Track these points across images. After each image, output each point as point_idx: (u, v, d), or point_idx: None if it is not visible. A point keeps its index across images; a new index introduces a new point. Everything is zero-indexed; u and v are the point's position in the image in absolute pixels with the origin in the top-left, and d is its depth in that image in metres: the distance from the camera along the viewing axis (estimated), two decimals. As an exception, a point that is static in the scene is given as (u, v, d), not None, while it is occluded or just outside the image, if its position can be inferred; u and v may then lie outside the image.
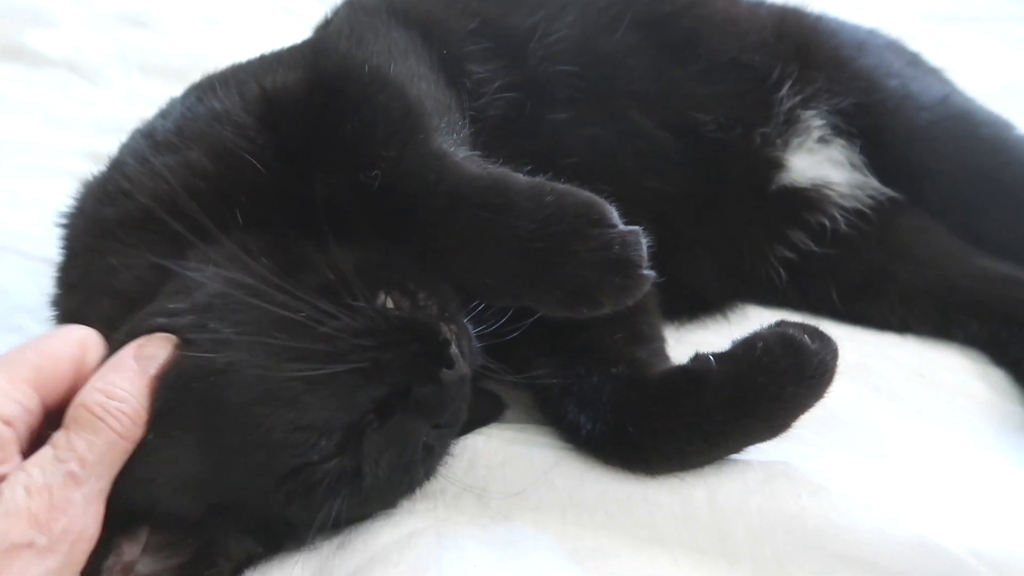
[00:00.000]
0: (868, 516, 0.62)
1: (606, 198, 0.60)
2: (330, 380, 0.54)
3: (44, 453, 0.50)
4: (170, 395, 0.53)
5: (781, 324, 0.66)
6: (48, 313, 0.70)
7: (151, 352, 0.55)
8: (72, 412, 0.52)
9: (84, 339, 0.56)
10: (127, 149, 0.73)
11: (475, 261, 0.60)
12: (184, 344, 0.55)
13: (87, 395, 0.52)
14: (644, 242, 0.58)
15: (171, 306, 0.57)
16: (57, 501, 0.49)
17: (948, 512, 0.63)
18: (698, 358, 0.66)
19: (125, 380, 0.53)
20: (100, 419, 0.51)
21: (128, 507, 0.53)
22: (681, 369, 0.67)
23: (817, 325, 0.88)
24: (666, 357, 0.76)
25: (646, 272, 0.57)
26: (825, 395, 0.63)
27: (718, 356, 0.65)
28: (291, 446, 0.53)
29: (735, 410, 0.62)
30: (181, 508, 0.55)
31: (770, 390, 0.62)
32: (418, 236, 0.61)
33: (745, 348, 0.64)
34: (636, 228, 0.58)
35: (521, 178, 0.62)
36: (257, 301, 0.55)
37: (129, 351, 0.55)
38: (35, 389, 0.52)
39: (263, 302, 0.54)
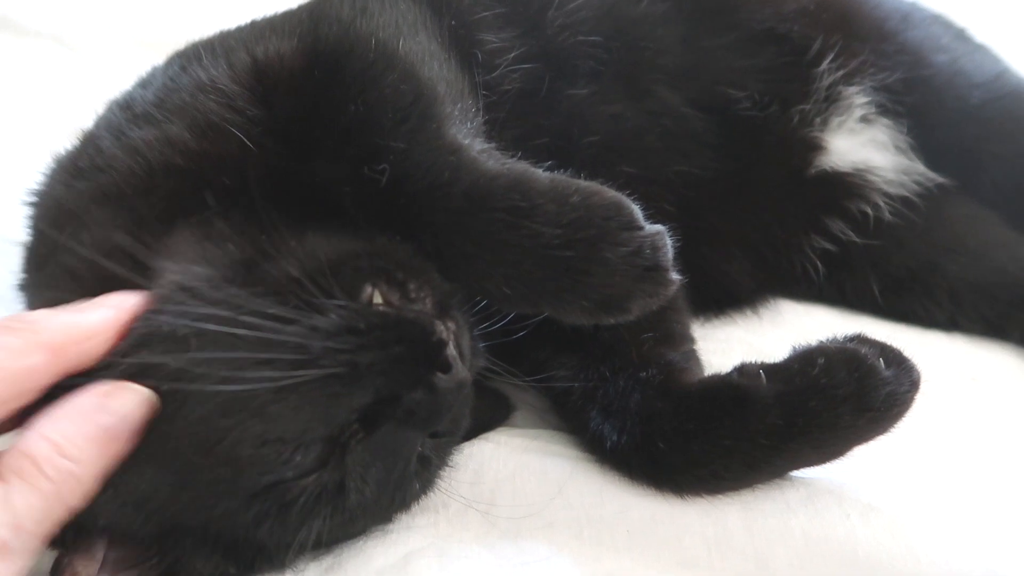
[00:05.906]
0: (928, 542, 0.56)
1: (629, 181, 0.57)
2: (301, 388, 0.48)
3: None
4: None
5: (856, 339, 0.59)
6: (17, 299, 0.65)
7: (117, 406, 0.46)
8: (11, 461, 0.43)
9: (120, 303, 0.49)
10: (102, 122, 0.67)
11: (493, 268, 0.55)
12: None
13: (33, 444, 0.43)
14: (670, 243, 0.56)
15: None
16: None
17: (1018, 539, 0.57)
18: (746, 372, 0.60)
19: (81, 435, 0.44)
20: (47, 478, 0.43)
21: (77, 519, 0.47)
22: (725, 383, 0.61)
23: (856, 323, 0.81)
24: (699, 361, 0.71)
25: (674, 276, 0.55)
26: (892, 430, 0.57)
27: (769, 370, 0.59)
28: (260, 462, 0.48)
29: (782, 435, 0.56)
30: (135, 527, 0.50)
31: (823, 417, 0.56)
32: (428, 238, 0.56)
33: (802, 363, 0.58)
34: (661, 228, 0.56)
35: (542, 175, 0.58)
36: (200, 305, 0.49)
37: (93, 397, 0.46)
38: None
39: (207, 305, 0.49)
